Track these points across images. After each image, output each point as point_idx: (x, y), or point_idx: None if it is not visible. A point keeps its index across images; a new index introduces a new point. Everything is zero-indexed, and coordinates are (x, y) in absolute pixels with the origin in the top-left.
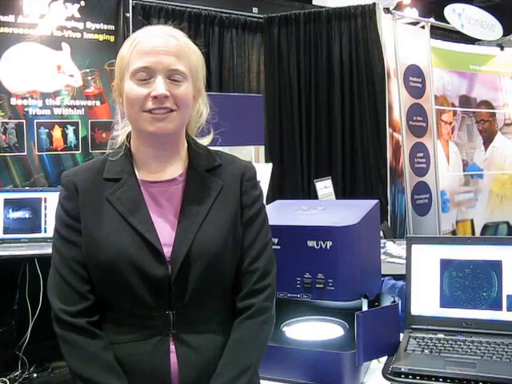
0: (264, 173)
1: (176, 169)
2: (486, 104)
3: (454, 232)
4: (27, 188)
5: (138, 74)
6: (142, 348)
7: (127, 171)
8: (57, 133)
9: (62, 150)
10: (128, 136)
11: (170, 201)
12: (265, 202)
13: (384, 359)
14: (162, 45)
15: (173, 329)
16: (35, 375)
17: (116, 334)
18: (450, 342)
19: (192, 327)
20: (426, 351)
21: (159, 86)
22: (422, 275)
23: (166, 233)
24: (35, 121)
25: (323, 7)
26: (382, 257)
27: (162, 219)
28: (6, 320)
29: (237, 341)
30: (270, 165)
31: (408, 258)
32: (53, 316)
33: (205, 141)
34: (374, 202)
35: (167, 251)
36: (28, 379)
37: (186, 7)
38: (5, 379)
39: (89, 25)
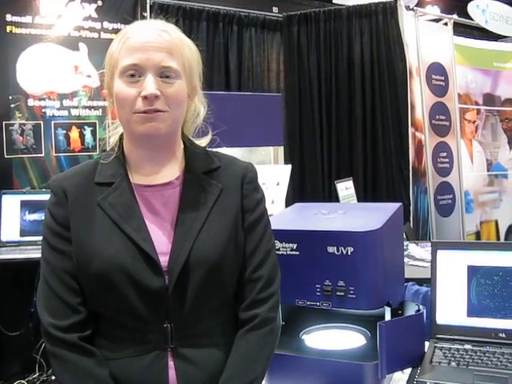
0: (283, 174)
1: (172, 171)
2: (511, 102)
3: (477, 233)
4: (44, 190)
5: (127, 72)
6: (138, 364)
7: (120, 175)
8: (74, 134)
9: (79, 152)
10: (121, 137)
11: (165, 206)
12: (284, 204)
13: (408, 370)
14: (152, 40)
15: (171, 343)
16: (53, 377)
17: (110, 349)
18: (478, 354)
19: (192, 341)
20: (453, 363)
21: (149, 85)
22: (448, 282)
23: (161, 241)
24: (53, 122)
25: (343, 5)
26: (405, 260)
27: (157, 226)
28: (23, 323)
29: (240, 354)
30: (289, 166)
31: (433, 264)
32: (42, 331)
33: (203, 142)
34: (398, 205)
35: (164, 260)
36: (46, 382)
37: (205, 6)
38: (23, 381)
39: (106, 25)
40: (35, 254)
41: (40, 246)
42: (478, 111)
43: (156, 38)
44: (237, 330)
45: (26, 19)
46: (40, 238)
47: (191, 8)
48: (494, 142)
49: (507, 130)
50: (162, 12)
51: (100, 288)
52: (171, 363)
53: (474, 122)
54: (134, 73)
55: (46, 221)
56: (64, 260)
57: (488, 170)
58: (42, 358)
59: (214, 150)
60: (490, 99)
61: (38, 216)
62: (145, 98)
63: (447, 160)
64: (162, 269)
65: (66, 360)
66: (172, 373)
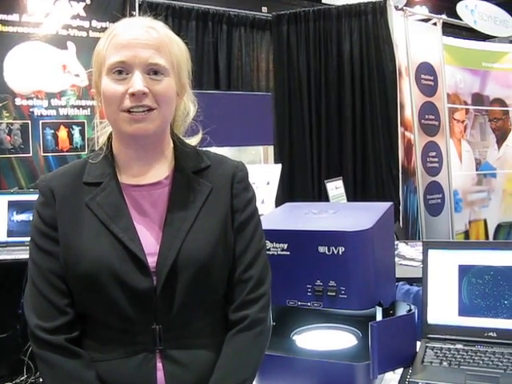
0: (273, 174)
1: (161, 171)
2: (499, 102)
3: (466, 232)
4: (32, 190)
5: (114, 70)
6: (126, 366)
7: (108, 174)
8: (62, 133)
9: (67, 151)
10: (109, 137)
11: (154, 206)
12: (274, 203)
13: (400, 370)
14: (139, 37)
15: (160, 344)
16: (41, 380)
17: (98, 350)
18: (469, 354)
19: (181, 342)
20: (445, 363)
21: (136, 82)
22: (440, 282)
23: (150, 241)
24: (40, 121)
25: (332, 5)
26: (395, 259)
27: (145, 226)
28: (10, 324)
29: (230, 355)
30: (280, 165)
31: (424, 263)
32: (29, 333)
33: (193, 141)
34: (388, 204)
35: (152, 261)
36: None
37: (194, 5)
38: None
39: (94, 23)
40: (23, 254)
41: (28, 247)
42: (467, 111)
43: (144, 35)
44: (227, 331)
45: (14, 17)
46: (28, 238)
47: (180, 7)
48: (483, 141)
49: (496, 130)
50: (151, 10)
51: (87, 289)
52: (159, 365)
53: (462, 122)
54: (122, 70)
55: (34, 221)
56: (51, 261)
57: (477, 170)
58: (30, 360)
59: (204, 149)
60: (478, 99)
61: (26, 216)
62: (132, 94)
63: (436, 159)
64: (150, 270)
65: (52, 362)
66: (160, 374)
